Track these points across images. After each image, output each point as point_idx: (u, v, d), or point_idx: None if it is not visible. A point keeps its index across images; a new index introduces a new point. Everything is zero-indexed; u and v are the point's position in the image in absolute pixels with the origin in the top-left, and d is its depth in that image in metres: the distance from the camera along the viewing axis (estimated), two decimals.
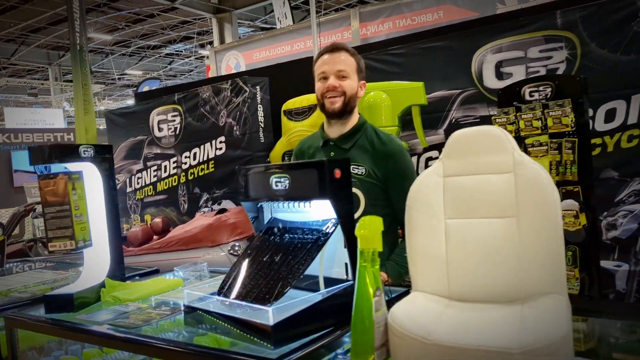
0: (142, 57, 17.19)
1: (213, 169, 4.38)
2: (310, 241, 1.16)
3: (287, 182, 1.13)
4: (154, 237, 3.98)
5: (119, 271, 1.58)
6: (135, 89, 17.01)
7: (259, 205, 1.33)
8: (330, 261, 1.20)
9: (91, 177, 1.53)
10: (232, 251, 3.41)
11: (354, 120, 1.70)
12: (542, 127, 2.61)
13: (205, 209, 4.32)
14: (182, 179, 4.61)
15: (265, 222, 1.33)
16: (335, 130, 1.70)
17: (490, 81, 3.36)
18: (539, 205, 0.88)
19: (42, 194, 1.45)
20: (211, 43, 11.67)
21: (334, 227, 1.15)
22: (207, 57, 9.32)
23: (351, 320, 0.82)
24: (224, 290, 1.18)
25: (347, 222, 1.11)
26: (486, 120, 3.19)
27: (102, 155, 1.53)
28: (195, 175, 4.52)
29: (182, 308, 1.21)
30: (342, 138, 1.69)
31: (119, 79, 19.07)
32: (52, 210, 1.44)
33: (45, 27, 13.19)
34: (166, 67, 18.86)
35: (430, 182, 1.01)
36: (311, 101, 3.52)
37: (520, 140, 2.14)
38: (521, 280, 0.88)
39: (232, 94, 4.22)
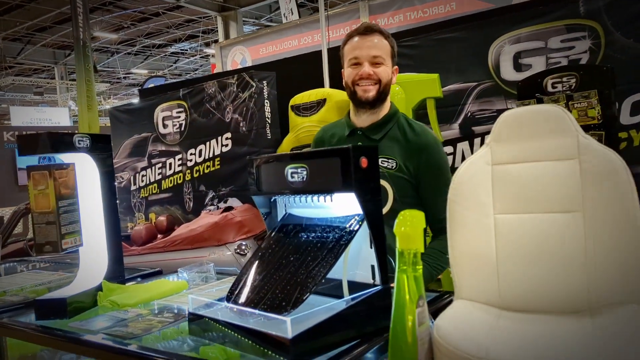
0: (147, 56, 17.15)
1: (219, 166, 4.27)
2: (332, 240, 1.02)
3: (305, 172, 0.99)
4: (159, 236, 3.91)
5: (118, 272, 1.44)
6: (140, 87, 16.98)
7: (272, 200, 1.19)
8: (353, 263, 1.06)
9: (87, 169, 1.40)
10: (238, 250, 3.30)
11: (385, 108, 1.54)
12: None
13: (211, 207, 4.22)
14: (188, 177, 4.50)
15: (279, 218, 1.20)
16: (364, 119, 1.54)
17: (508, 73, 3.22)
18: (612, 197, 0.73)
19: (56, 186, 1.32)
20: (216, 41, 11.58)
21: (358, 225, 1.01)
22: (213, 56, 9.21)
23: (389, 335, 0.68)
24: (233, 295, 1.04)
25: (374, 219, 0.97)
26: None
27: (99, 146, 1.40)
28: (201, 173, 4.40)
29: (187, 315, 1.08)
30: (373, 127, 1.53)
31: (124, 77, 19.05)
32: (64, 204, 1.32)
33: (51, 26, 13.18)
34: (171, 65, 18.82)
35: (476, 171, 0.85)
36: (319, 96, 3.40)
37: None
38: (589, 286, 0.73)
39: (239, 89, 4.10)
